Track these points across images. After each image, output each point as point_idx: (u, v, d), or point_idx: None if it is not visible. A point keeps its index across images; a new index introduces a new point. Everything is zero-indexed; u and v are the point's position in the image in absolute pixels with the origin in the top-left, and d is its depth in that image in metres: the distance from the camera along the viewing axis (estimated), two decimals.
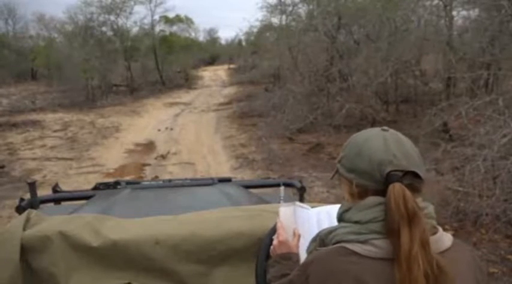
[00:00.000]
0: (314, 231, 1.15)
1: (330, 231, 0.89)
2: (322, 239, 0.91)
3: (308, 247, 0.96)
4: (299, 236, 1.12)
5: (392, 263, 0.79)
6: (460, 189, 4.42)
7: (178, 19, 22.63)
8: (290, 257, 1.06)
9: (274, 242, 1.11)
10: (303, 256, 1.08)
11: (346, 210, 0.90)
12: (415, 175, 0.85)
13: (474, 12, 7.47)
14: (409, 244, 0.78)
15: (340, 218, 0.92)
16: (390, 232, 0.80)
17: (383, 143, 0.87)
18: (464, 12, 7.85)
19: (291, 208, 1.15)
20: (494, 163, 4.19)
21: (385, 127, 0.92)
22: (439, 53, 8.81)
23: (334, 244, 0.86)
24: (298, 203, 1.18)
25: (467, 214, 4.09)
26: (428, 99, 8.41)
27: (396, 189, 0.81)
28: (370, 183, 0.86)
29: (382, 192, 0.84)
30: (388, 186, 0.82)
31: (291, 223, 1.13)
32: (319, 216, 1.21)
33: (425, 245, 0.79)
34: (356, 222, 0.86)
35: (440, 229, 0.87)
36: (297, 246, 1.10)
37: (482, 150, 4.30)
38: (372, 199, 0.86)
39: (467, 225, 4.03)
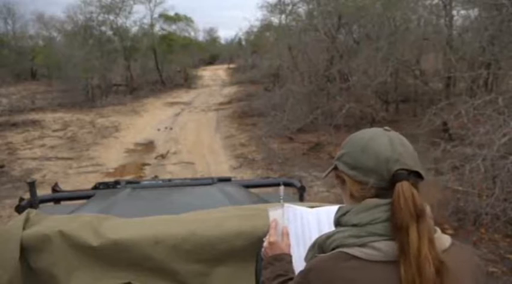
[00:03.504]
0: (313, 232, 1.15)
1: (328, 236, 0.88)
2: (320, 246, 0.89)
3: (306, 255, 0.94)
4: (287, 234, 1.11)
5: (394, 265, 0.79)
6: (460, 188, 4.42)
7: (177, 17, 22.63)
8: (283, 258, 1.05)
9: (265, 244, 1.10)
10: (293, 254, 1.08)
11: (343, 214, 0.89)
12: (418, 175, 0.86)
13: (474, 12, 7.47)
14: (417, 243, 0.78)
15: (338, 222, 0.90)
16: (397, 231, 0.80)
17: (388, 142, 0.87)
18: (463, 12, 7.86)
19: (279, 211, 1.15)
20: (494, 163, 4.19)
21: (387, 128, 0.92)
22: (439, 53, 8.82)
23: (333, 249, 0.85)
24: (286, 204, 1.18)
25: (467, 213, 4.09)
26: (428, 98, 8.40)
27: (405, 187, 0.81)
28: (375, 181, 0.85)
29: (385, 190, 0.84)
30: (395, 184, 0.82)
31: (281, 224, 1.13)
32: (320, 218, 1.20)
33: (432, 243, 0.79)
34: (354, 225, 0.84)
35: (438, 229, 0.87)
36: (288, 246, 1.09)
37: (482, 150, 4.30)
38: (369, 201, 0.85)
39: (466, 224, 4.03)
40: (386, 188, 0.84)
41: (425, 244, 0.78)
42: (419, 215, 0.80)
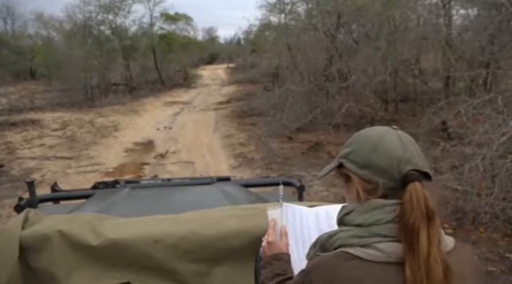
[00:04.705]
0: (312, 231, 1.15)
1: (331, 235, 0.86)
2: (322, 245, 0.88)
3: (308, 253, 0.93)
4: (286, 234, 1.11)
5: (396, 266, 0.78)
6: (459, 187, 4.42)
7: (178, 17, 22.63)
8: (281, 257, 1.04)
9: (263, 243, 1.10)
10: (292, 254, 1.08)
11: (347, 213, 0.87)
12: (426, 176, 0.84)
13: (473, 11, 7.48)
14: (427, 245, 0.77)
15: (341, 222, 0.89)
16: (407, 232, 0.78)
17: (399, 141, 0.85)
18: (463, 11, 7.87)
19: (278, 210, 1.15)
20: (493, 162, 4.20)
21: (395, 126, 0.90)
22: (438, 52, 8.82)
23: (335, 248, 0.83)
24: (285, 203, 1.17)
25: (466, 212, 4.10)
26: (428, 98, 8.39)
27: (418, 188, 0.80)
28: (385, 181, 0.84)
29: (394, 190, 0.83)
30: (406, 185, 0.81)
31: (279, 224, 1.13)
32: (319, 217, 1.20)
33: (440, 246, 0.79)
34: (357, 225, 0.83)
35: (441, 231, 0.86)
36: (287, 246, 1.08)
37: (481, 149, 4.30)
38: (374, 201, 0.84)
39: (466, 224, 4.03)
40: (395, 188, 0.83)
41: (435, 246, 0.77)
42: (430, 217, 0.79)
